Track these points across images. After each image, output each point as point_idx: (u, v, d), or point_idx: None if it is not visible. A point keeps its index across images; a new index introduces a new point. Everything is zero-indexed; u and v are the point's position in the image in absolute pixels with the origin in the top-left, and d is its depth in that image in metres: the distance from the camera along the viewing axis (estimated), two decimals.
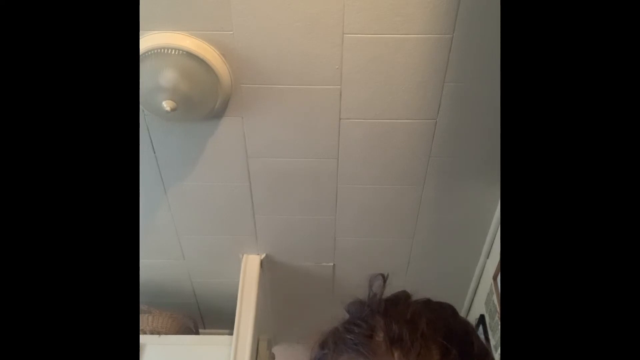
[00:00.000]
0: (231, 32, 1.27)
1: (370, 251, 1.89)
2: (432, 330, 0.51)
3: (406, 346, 0.49)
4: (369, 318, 0.54)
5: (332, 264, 1.95)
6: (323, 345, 0.56)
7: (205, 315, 2.23)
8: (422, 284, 1.99)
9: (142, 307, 1.96)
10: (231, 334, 1.71)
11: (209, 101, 1.36)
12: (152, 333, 1.89)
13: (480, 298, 1.93)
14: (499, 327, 1.68)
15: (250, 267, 1.87)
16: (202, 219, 1.77)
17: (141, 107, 1.39)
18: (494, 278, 1.76)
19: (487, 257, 1.85)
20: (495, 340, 1.74)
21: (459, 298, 2.08)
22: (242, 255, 1.90)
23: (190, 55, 1.26)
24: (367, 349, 0.51)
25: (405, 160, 1.56)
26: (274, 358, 2.16)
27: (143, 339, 1.83)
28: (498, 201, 1.67)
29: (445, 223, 1.78)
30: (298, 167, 1.59)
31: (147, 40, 1.25)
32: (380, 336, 0.51)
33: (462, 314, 2.15)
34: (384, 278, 0.57)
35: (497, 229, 1.74)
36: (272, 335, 2.26)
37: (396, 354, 0.49)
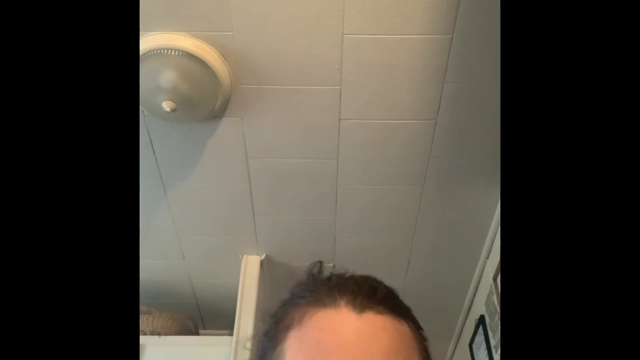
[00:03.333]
0: (231, 33, 1.27)
1: (370, 251, 1.89)
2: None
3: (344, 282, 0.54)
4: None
5: (332, 265, 1.95)
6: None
7: (205, 316, 2.23)
8: (422, 284, 2.01)
9: (142, 307, 1.96)
10: (231, 334, 1.71)
11: (208, 102, 1.36)
12: (152, 334, 1.89)
13: (480, 298, 1.93)
14: (499, 327, 1.68)
15: (250, 267, 1.87)
16: (202, 219, 1.77)
17: (141, 108, 1.39)
18: (494, 278, 1.76)
19: (487, 257, 1.86)
20: (495, 340, 1.74)
21: (459, 298, 2.07)
22: (242, 255, 1.90)
23: (190, 56, 1.26)
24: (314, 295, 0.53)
25: (405, 160, 1.56)
26: None
27: (143, 339, 1.84)
28: (498, 201, 1.68)
29: (445, 223, 1.78)
30: (298, 167, 1.59)
31: (147, 41, 1.25)
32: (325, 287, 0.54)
33: (462, 314, 2.16)
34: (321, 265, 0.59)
35: (497, 229, 1.74)
36: None
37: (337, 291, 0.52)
